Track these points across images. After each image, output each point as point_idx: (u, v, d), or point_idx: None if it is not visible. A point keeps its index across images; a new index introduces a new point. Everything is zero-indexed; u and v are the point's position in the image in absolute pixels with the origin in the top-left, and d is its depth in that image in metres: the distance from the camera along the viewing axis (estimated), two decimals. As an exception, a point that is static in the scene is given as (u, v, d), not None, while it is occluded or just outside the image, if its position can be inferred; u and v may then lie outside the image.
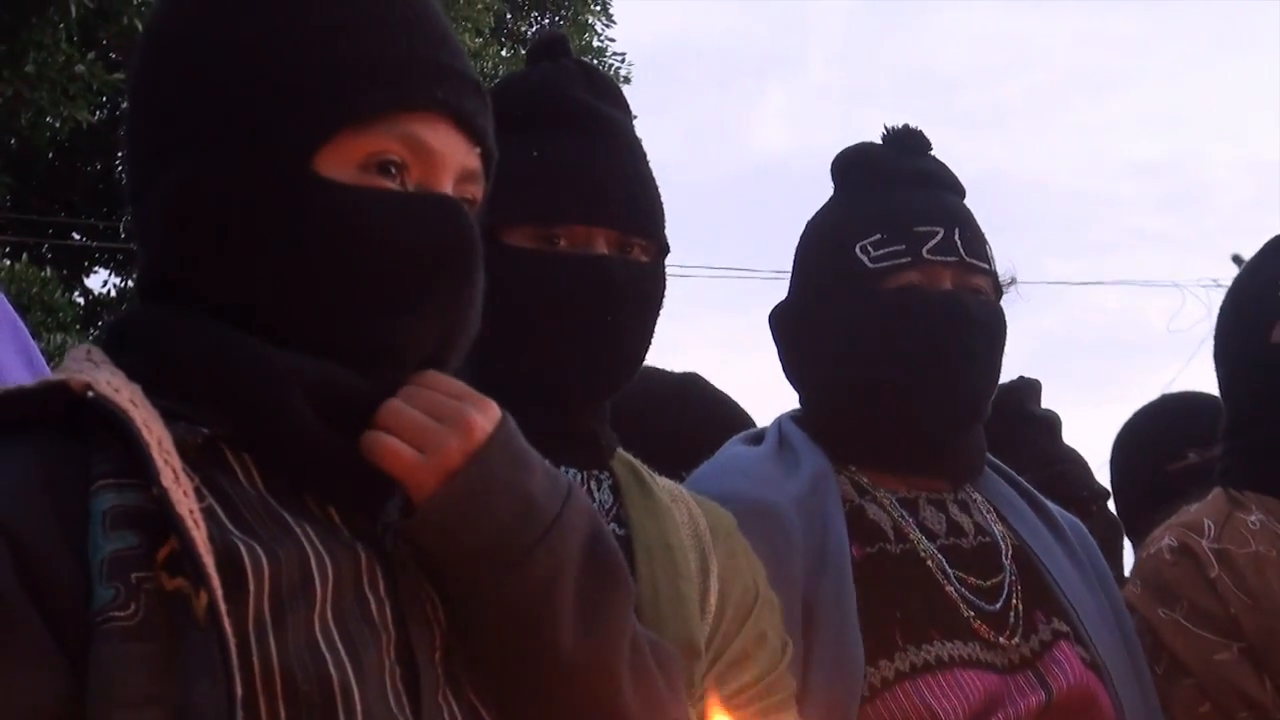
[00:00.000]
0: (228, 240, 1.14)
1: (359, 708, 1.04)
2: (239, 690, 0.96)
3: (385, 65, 1.17)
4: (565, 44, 1.70)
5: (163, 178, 1.16)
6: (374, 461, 1.12)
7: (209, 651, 0.97)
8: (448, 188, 1.20)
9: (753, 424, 2.86)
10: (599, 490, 1.59)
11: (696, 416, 2.76)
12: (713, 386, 2.92)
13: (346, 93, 1.15)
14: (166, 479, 1.01)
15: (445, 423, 1.13)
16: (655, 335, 1.63)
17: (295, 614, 1.04)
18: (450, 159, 1.20)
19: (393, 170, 1.17)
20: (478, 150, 1.23)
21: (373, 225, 1.14)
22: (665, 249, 1.63)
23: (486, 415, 1.15)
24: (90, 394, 1.04)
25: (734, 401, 2.92)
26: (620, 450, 1.65)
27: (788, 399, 2.04)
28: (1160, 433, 3.14)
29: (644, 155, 1.65)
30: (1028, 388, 3.29)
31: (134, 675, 0.95)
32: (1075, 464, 3.24)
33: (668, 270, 1.65)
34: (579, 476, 1.58)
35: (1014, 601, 1.87)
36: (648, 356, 1.64)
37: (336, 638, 1.06)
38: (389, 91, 1.16)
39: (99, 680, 0.95)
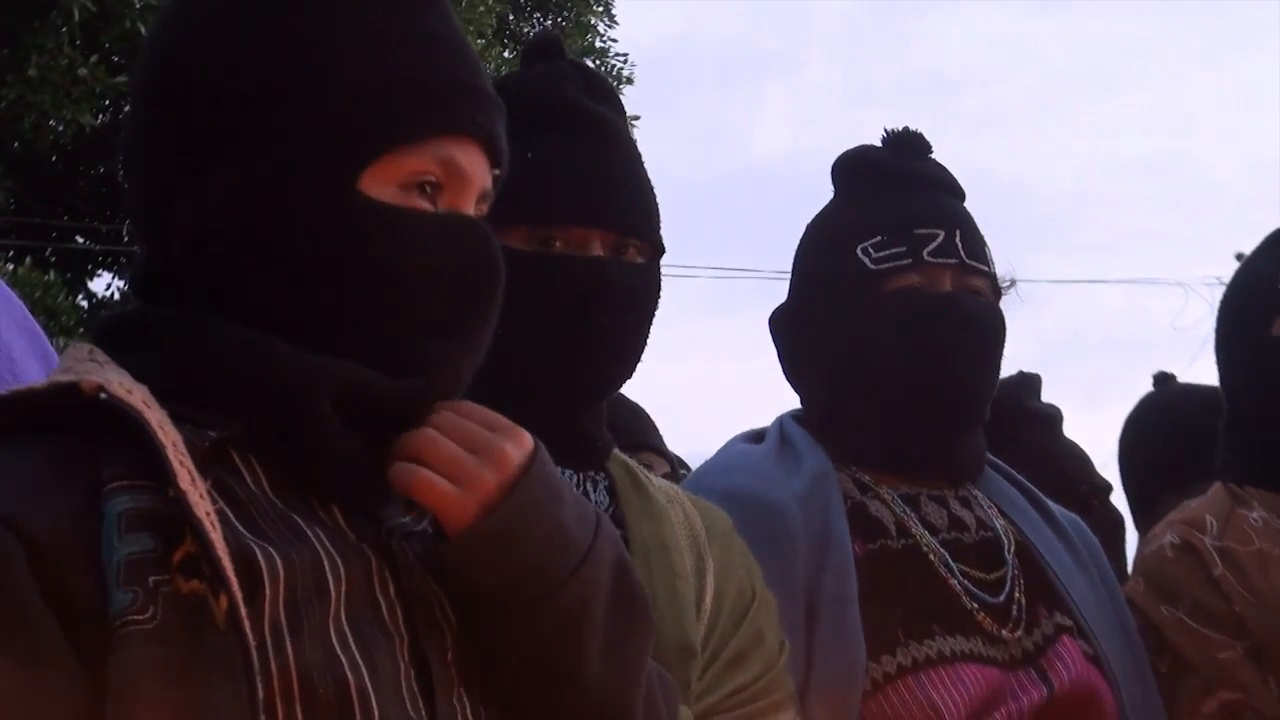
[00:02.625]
0: (266, 252, 1.14)
1: (376, 711, 1.04)
2: (261, 694, 0.96)
3: (430, 87, 1.17)
4: (560, 45, 1.70)
5: (194, 186, 1.15)
6: (406, 494, 1.12)
7: (230, 655, 0.97)
8: (471, 208, 1.21)
9: (656, 432, 2.89)
10: (595, 491, 1.59)
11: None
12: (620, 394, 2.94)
13: (396, 114, 1.15)
14: (184, 481, 1.00)
15: (479, 454, 1.13)
16: (651, 336, 1.63)
17: (310, 617, 1.04)
18: (477, 181, 1.21)
19: (428, 190, 1.17)
20: (495, 171, 1.24)
21: (414, 247, 1.15)
22: (661, 250, 1.63)
23: (520, 446, 1.15)
24: (103, 395, 1.03)
25: (641, 409, 2.93)
26: (616, 451, 1.66)
27: (787, 398, 2.05)
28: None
29: (639, 156, 1.65)
30: (1028, 383, 3.27)
31: (155, 680, 0.95)
32: (1076, 459, 3.23)
33: (670, 271, 1.65)
34: (575, 477, 1.58)
35: (1016, 595, 1.87)
36: (643, 357, 1.63)
37: (351, 641, 1.05)
38: (435, 114, 1.17)
39: (120, 684, 0.95)
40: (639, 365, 1.64)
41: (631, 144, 1.65)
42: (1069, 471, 3.15)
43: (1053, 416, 3.28)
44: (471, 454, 1.13)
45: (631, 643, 1.19)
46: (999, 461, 2.08)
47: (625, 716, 1.19)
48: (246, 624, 0.97)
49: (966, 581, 1.84)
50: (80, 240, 11.52)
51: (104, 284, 11.80)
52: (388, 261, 1.15)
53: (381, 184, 1.15)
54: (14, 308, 1.63)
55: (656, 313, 1.63)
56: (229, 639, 0.97)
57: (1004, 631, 1.82)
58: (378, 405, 1.14)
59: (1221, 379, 2.26)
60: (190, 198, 1.16)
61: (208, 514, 1.00)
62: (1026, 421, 3.16)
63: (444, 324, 1.17)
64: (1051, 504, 2.07)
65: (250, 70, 1.16)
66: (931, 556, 1.85)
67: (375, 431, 1.14)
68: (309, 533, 1.08)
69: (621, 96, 1.72)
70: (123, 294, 11.56)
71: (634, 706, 1.19)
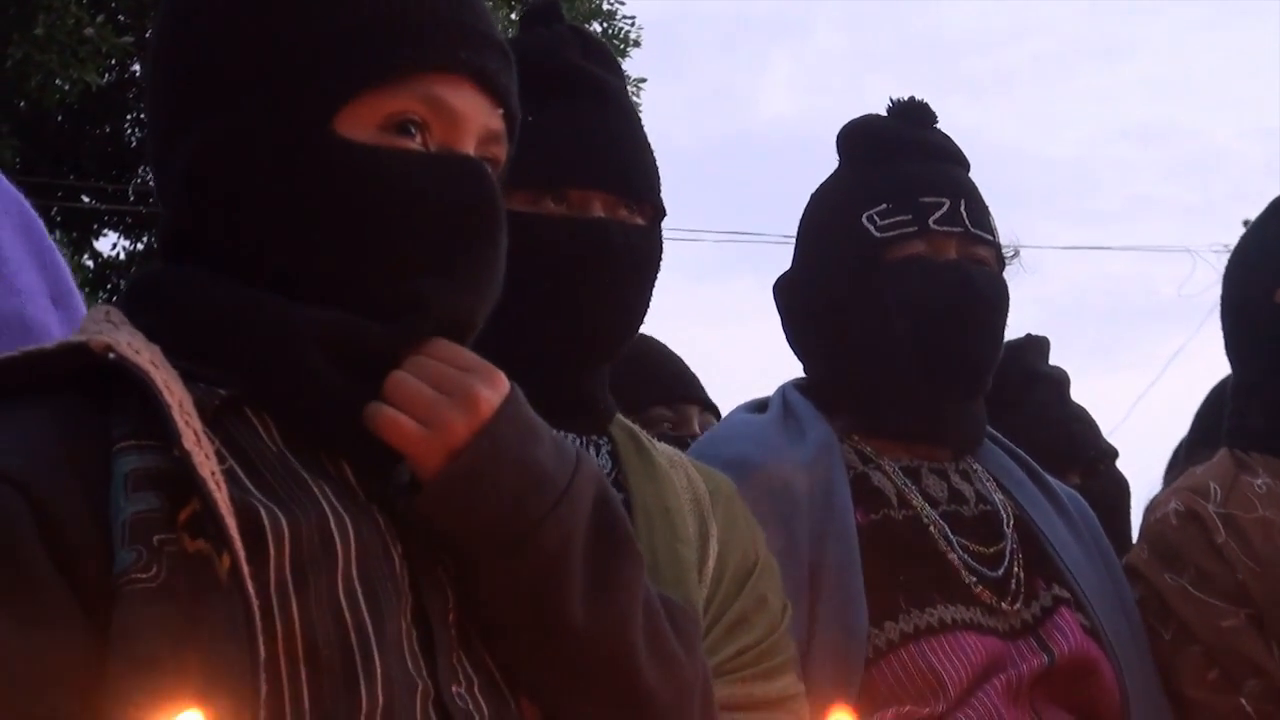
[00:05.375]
0: (248, 200, 1.14)
1: (379, 670, 1.04)
2: (262, 653, 0.97)
3: (407, 25, 1.16)
4: (558, 9, 1.70)
5: (185, 137, 1.16)
6: (377, 434, 1.11)
7: (232, 613, 0.97)
8: (470, 148, 1.19)
9: (685, 383, 2.89)
10: (598, 455, 1.59)
11: (645, 375, 2.77)
12: (651, 346, 2.92)
13: (367, 53, 1.14)
14: (188, 441, 1.00)
15: (451, 396, 1.11)
16: (654, 298, 1.63)
17: (317, 576, 1.04)
18: (473, 120, 1.19)
19: (413, 130, 1.16)
20: (500, 111, 1.22)
21: (393, 185, 1.14)
22: (662, 213, 1.63)
23: (494, 388, 1.13)
24: (111, 355, 1.04)
25: (669, 360, 2.93)
26: (619, 416, 1.66)
27: (794, 362, 2.05)
28: None
29: (638, 119, 1.66)
30: (1035, 345, 3.27)
31: (156, 637, 0.95)
32: (1083, 423, 3.22)
33: (675, 235, 1.65)
34: (578, 442, 1.57)
35: (1015, 569, 1.89)
36: (645, 319, 1.64)
37: (361, 599, 1.05)
38: (410, 52, 1.15)
39: (121, 641, 0.95)
40: (640, 327, 1.64)
41: (631, 107, 1.66)
42: (1075, 434, 3.14)
43: (1060, 380, 3.27)
44: (443, 395, 1.12)
45: (619, 580, 1.18)
46: (998, 434, 2.08)
47: (624, 657, 1.17)
48: (249, 583, 0.97)
49: (965, 555, 1.85)
50: (86, 200, 11.51)
51: (110, 243, 11.80)
52: (365, 201, 1.13)
53: (359, 124, 1.14)
54: (9, 201, 1.59)
55: (658, 275, 1.63)
56: (231, 597, 0.97)
57: (1003, 604, 1.83)
58: (371, 351, 1.13)
59: (1227, 346, 2.26)
60: (182, 149, 1.17)
61: (213, 473, 1.01)
62: (1034, 384, 3.15)
63: (436, 261, 1.15)
64: (1050, 478, 2.07)
65: (231, 18, 1.17)
66: (932, 529, 1.85)
67: (373, 380, 1.13)
68: (317, 490, 1.08)
69: (628, 59, 1.72)
70: (129, 254, 11.57)
71: (632, 645, 1.17)
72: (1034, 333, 3.33)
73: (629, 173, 1.59)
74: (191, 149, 1.16)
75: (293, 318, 1.12)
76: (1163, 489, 2.21)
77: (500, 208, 1.19)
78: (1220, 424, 2.37)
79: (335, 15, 1.15)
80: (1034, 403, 3.06)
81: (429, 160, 1.16)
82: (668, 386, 2.85)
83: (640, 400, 2.70)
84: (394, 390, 1.12)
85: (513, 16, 11.78)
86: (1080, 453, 3.11)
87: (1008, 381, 2.99)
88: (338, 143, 1.14)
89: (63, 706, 0.95)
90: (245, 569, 0.98)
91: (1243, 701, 1.92)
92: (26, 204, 1.62)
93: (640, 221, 1.60)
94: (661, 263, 1.63)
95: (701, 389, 3.09)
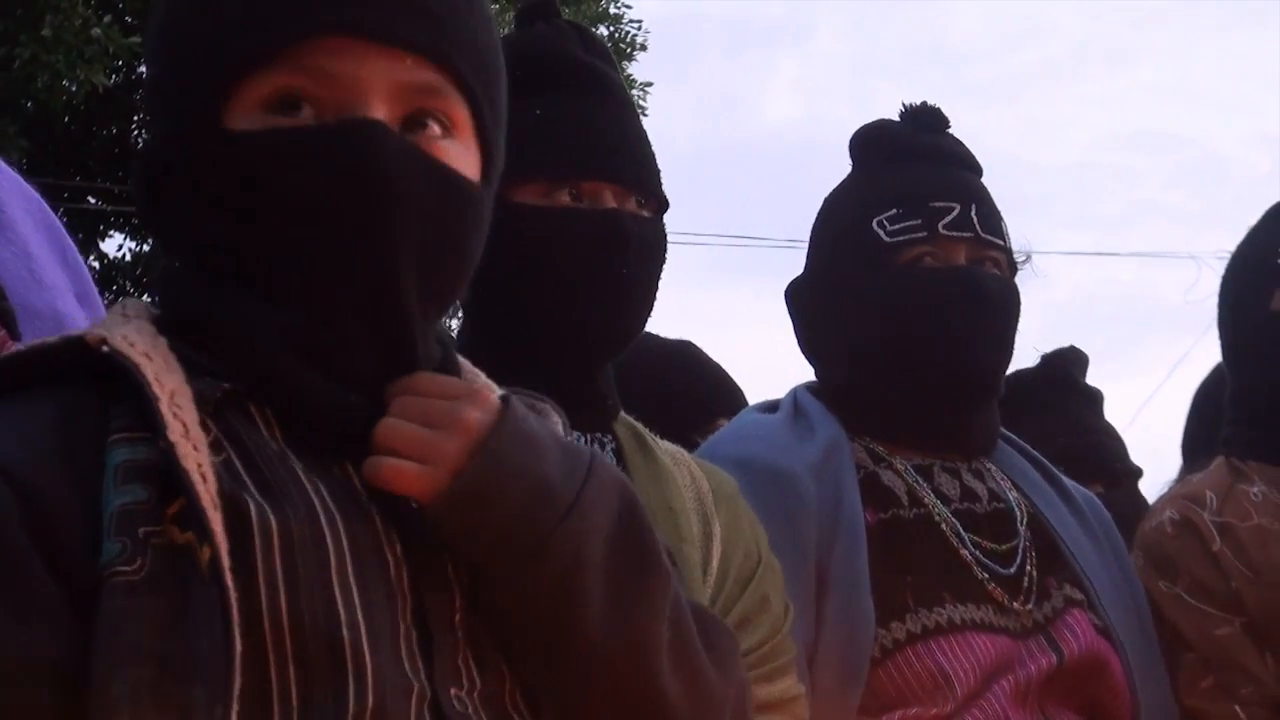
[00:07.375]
0: (180, 204, 1.14)
1: (369, 669, 1.02)
2: (238, 646, 0.95)
3: (271, 5, 1.10)
4: (554, 5, 1.71)
5: (142, 140, 1.19)
6: (381, 487, 1.09)
7: (212, 606, 0.96)
8: (378, 111, 1.10)
9: (741, 394, 2.91)
10: (601, 453, 1.59)
11: (689, 383, 2.82)
12: (706, 355, 2.96)
13: (241, 38, 1.10)
14: (174, 432, 1.00)
15: (441, 428, 1.09)
16: (658, 300, 1.64)
17: (308, 573, 1.02)
18: (372, 79, 1.10)
19: (295, 105, 1.10)
20: (423, 59, 1.13)
21: (274, 171, 1.09)
22: (665, 205, 1.65)
23: (483, 409, 1.11)
24: (105, 349, 1.04)
25: (725, 371, 2.96)
26: (623, 413, 1.67)
27: (802, 365, 2.07)
28: None
29: (637, 113, 1.68)
30: (1076, 357, 3.30)
31: (138, 629, 0.95)
32: (1112, 438, 3.26)
33: (681, 238, 1.67)
34: (583, 439, 1.57)
35: (1028, 567, 1.89)
36: (652, 315, 1.65)
37: (356, 598, 1.04)
38: (283, 25, 1.09)
39: (104, 634, 0.95)
40: (649, 321, 1.66)
41: (631, 102, 1.69)
42: (1104, 445, 3.18)
43: (1095, 396, 3.31)
44: (433, 429, 1.09)
45: (641, 598, 1.14)
46: (1013, 437, 2.08)
47: (644, 672, 1.14)
48: (227, 574, 0.97)
49: (978, 552, 1.85)
50: (92, 201, 11.50)
51: (116, 245, 11.81)
52: (252, 194, 1.09)
53: (245, 113, 1.10)
54: (31, 201, 1.62)
55: (664, 267, 1.64)
56: (212, 590, 0.96)
57: (1014, 603, 1.83)
58: (337, 357, 1.12)
59: (1224, 353, 2.26)
60: (139, 153, 1.19)
61: (199, 465, 1.00)
62: (1072, 393, 3.18)
63: (326, 254, 1.09)
64: (1066, 479, 2.07)
65: (158, 25, 1.18)
66: (943, 526, 1.86)
67: (356, 383, 1.12)
68: (309, 486, 1.07)
69: (634, 63, 1.74)
70: (135, 255, 11.57)
71: (652, 660, 1.14)
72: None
73: (638, 166, 1.62)
74: (141, 153, 1.18)
75: (261, 323, 1.10)
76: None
77: (394, 164, 1.09)
78: (1216, 413, 2.38)
79: (217, 5, 1.12)
80: (1068, 410, 3.09)
81: (306, 134, 1.10)
82: (736, 398, 2.89)
83: (714, 409, 2.76)
84: (386, 439, 1.09)
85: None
86: (1107, 464, 3.14)
87: (1045, 385, 3.02)
88: (225, 137, 1.10)
89: (45, 698, 0.94)
90: (225, 561, 0.97)
91: (1237, 709, 1.92)
92: (45, 205, 1.64)
93: (647, 214, 1.62)
94: (667, 255, 1.64)
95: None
